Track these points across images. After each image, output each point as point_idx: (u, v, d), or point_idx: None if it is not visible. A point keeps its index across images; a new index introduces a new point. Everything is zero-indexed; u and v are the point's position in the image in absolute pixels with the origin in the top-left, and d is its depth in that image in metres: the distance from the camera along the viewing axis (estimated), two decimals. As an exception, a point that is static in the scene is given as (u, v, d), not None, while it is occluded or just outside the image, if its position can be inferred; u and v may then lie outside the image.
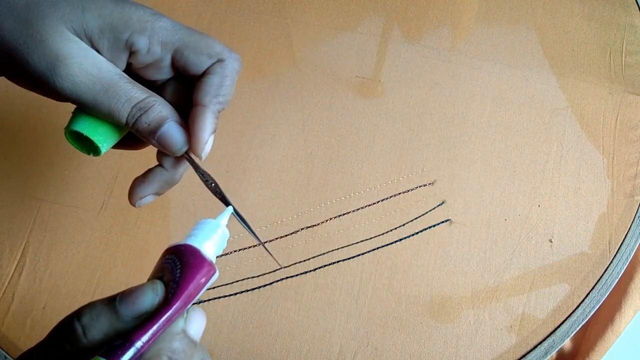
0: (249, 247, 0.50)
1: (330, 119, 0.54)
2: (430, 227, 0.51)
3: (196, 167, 0.34)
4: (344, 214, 0.51)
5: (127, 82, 0.30)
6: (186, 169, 0.35)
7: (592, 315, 0.49)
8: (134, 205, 0.34)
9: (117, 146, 0.34)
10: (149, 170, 0.34)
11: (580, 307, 0.49)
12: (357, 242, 0.50)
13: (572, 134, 0.54)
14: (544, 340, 0.48)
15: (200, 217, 0.50)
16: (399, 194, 0.52)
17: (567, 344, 0.50)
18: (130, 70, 0.32)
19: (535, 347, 0.48)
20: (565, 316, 0.49)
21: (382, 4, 0.59)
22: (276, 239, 0.50)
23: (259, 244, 0.35)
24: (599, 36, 0.58)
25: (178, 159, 0.34)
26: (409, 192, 0.52)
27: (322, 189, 0.52)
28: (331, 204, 0.52)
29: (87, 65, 0.29)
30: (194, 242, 0.28)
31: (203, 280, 0.27)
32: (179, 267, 0.27)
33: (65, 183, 0.52)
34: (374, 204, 0.52)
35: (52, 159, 0.52)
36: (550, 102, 0.56)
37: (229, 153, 0.53)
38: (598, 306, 0.49)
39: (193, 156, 0.33)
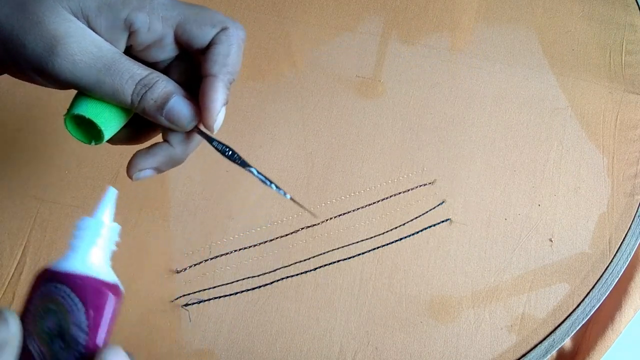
0: (249, 247, 0.50)
1: (330, 118, 0.54)
2: (430, 226, 0.51)
3: (209, 139, 0.32)
4: (344, 214, 0.51)
5: (127, 60, 0.29)
6: (194, 148, 0.34)
7: (593, 314, 0.49)
8: (131, 177, 0.32)
9: (119, 142, 0.33)
10: (154, 144, 0.33)
11: (580, 307, 0.49)
12: (358, 242, 0.50)
13: (572, 134, 0.54)
14: (544, 339, 0.48)
15: (201, 216, 0.51)
16: (399, 193, 0.52)
17: (567, 343, 0.50)
18: (131, 54, 0.31)
19: (536, 346, 0.48)
20: (566, 315, 0.49)
21: (382, 3, 0.59)
22: (276, 238, 0.50)
23: (291, 199, 0.33)
24: (599, 36, 0.58)
25: (187, 136, 0.32)
26: (409, 192, 0.52)
27: (322, 189, 0.52)
28: (331, 204, 0.52)
29: (86, 44, 0.28)
30: (85, 268, 0.24)
31: (114, 314, 0.24)
32: (81, 309, 0.24)
33: (65, 183, 0.52)
34: (374, 203, 0.52)
35: (52, 159, 0.52)
36: (550, 101, 0.56)
37: (229, 153, 0.53)
38: (598, 305, 0.49)
39: (203, 129, 0.32)
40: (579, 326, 0.48)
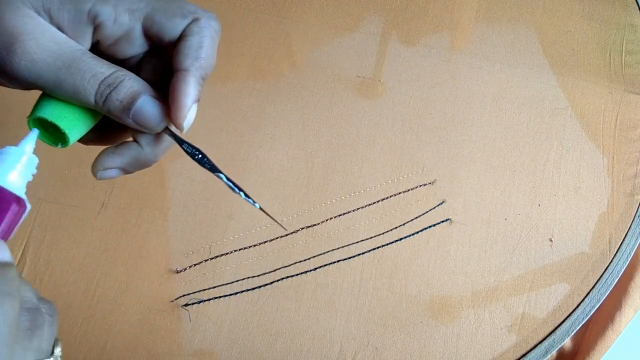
0: (249, 247, 0.50)
1: (330, 118, 0.54)
2: (430, 226, 0.51)
3: (180, 141, 0.31)
4: (344, 214, 0.51)
5: (90, 58, 0.28)
6: (165, 149, 0.32)
7: (593, 314, 0.49)
8: (95, 175, 0.30)
9: (89, 142, 0.32)
10: (123, 143, 0.31)
11: (580, 307, 0.49)
12: (358, 242, 0.50)
13: (572, 134, 0.54)
14: (544, 339, 0.48)
15: (201, 216, 0.51)
16: (399, 193, 0.52)
17: (567, 343, 0.50)
18: (99, 50, 0.30)
19: (536, 346, 0.48)
20: (566, 315, 0.49)
21: (382, 3, 0.59)
22: (276, 238, 0.50)
23: (260, 209, 0.32)
24: (599, 35, 0.58)
25: (157, 137, 0.30)
26: (409, 192, 0.52)
27: (322, 189, 0.52)
28: (331, 204, 0.52)
29: (44, 41, 0.27)
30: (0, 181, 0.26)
31: (13, 221, 0.26)
32: None
33: (65, 183, 0.52)
34: (374, 203, 0.52)
35: (52, 159, 0.52)
36: (550, 101, 0.56)
37: (229, 153, 0.53)
38: (598, 305, 0.49)
39: (174, 130, 0.30)
40: (579, 326, 0.48)
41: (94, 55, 0.28)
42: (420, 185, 0.52)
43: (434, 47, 0.57)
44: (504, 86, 0.56)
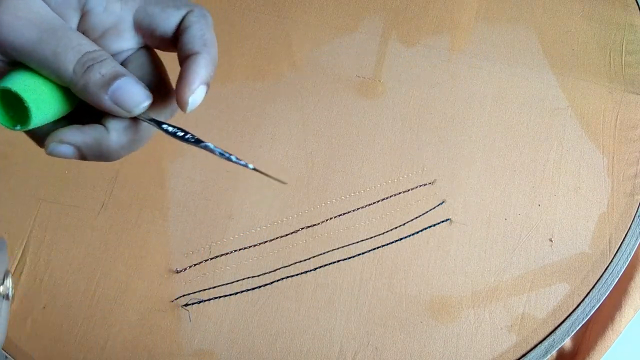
0: (249, 247, 0.50)
1: (330, 118, 0.54)
2: (430, 226, 0.51)
3: (159, 123, 0.29)
4: (344, 214, 0.51)
5: (77, 32, 0.26)
6: (131, 146, 0.29)
7: (593, 314, 0.49)
8: (46, 146, 0.28)
9: None
10: (91, 123, 0.28)
11: (580, 307, 0.49)
12: (358, 242, 0.50)
13: (572, 133, 0.54)
14: (544, 339, 0.48)
15: (201, 216, 0.51)
16: (399, 193, 0.52)
17: (567, 343, 0.50)
18: None
19: (536, 346, 0.48)
20: (566, 315, 0.49)
21: (382, 3, 0.59)
22: (276, 238, 0.50)
23: (254, 169, 0.31)
24: (599, 35, 0.58)
25: (130, 125, 0.28)
26: (409, 192, 0.52)
27: (322, 189, 0.52)
28: (331, 204, 0.52)
29: (32, 5, 0.25)
30: None
31: None
32: None
33: (65, 183, 0.52)
34: (374, 203, 0.52)
35: (52, 159, 0.52)
36: (550, 101, 0.56)
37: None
38: (598, 305, 0.49)
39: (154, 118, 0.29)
40: (579, 326, 0.48)
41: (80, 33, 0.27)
42: (420, 185, 0.52)
43: (434, 47, 0.57)
44: (504, 86, 0.56)
